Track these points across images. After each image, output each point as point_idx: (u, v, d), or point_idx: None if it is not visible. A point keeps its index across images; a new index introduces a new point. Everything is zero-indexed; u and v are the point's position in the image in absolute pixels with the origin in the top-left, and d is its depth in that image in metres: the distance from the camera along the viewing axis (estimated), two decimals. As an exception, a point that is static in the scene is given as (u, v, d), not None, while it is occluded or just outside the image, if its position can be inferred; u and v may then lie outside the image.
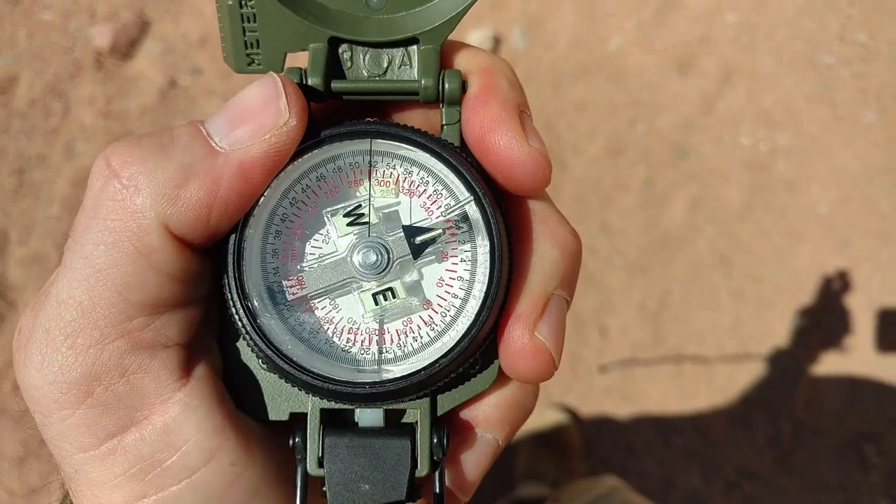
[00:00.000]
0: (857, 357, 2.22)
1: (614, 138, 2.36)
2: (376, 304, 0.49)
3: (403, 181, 0.50)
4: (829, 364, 2.22)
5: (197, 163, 0.44)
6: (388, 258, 0.49)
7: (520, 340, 0.47)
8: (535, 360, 0.47)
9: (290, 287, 0.49)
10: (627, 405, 2.18)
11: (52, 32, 2.41)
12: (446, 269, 0.49)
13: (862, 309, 2.26)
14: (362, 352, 0.49)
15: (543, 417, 2.07)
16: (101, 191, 0.44)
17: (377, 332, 0.49)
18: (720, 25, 2.45)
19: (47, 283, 0.47)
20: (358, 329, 0.49)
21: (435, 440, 0.48)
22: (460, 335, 0.47)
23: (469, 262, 0.49)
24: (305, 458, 0.48)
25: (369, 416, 0.49)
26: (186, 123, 0.47)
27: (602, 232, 2.26)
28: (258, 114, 0.45)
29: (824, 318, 2.25)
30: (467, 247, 0.49)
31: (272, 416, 0.50)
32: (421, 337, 0.49)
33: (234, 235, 0.47)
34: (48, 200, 2.28)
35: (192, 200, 0.44)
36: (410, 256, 0.49)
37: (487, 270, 0.48)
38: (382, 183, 0.50)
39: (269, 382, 0.50)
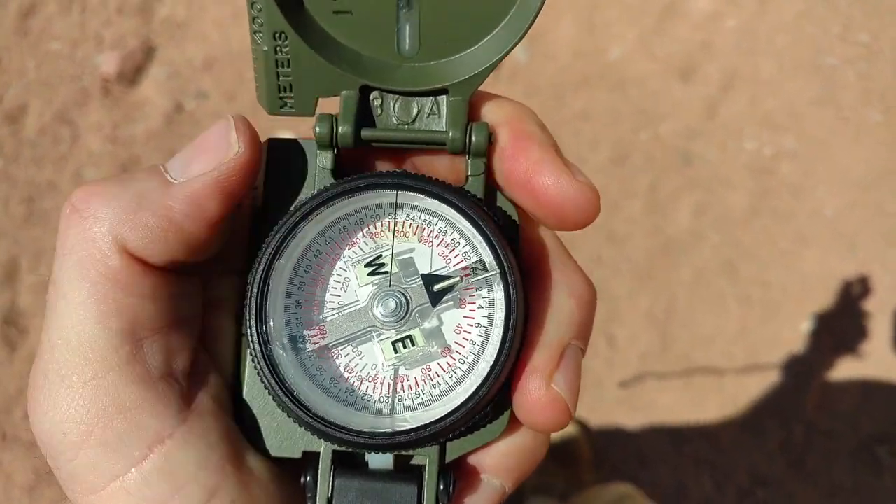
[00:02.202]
0: (868, 359, 2.20)
1: (618, 147, 2.37)
2: (396, 352, 0.50)
3: (423, 231, 0.51)
4: (839, 367, 2.21)
5: (150, 191, 0.47)
6: (408, 306, 0.50)
7: (536, 392, 0.48)
8: (552, 411, 0.48)
9: (312, 337, 0.50)
10: (638, 415, 2.18)
11: (60, 61, 2.45)
12: (464, 316, 0.51)
13: (872, 311, 2.24)
14: (379, 400, 0.50)
15: (552, 429, 2.06)
16: (66, 227, 0.47)
17: (396, 379, 0.50)
18: (721, 31, 2.45)
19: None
20: (377, 377, 0.50)
21: (441, 487, 0.50)
22: (477, 384, 0.48)
23: (486, 308, 0.50)
24: (315, 496, 0.50)
25: (379, 459, 0.51)
26: (148, 166, 0.50)
27: (608, 240, 2.27)
28: (211, 148, 0.48)
29: (833, 322, 2.23)
30: (484, 293, 0.50)
31: (284, 453, 0.51)
32: (440, 384, 0.50)
33: (256, 280, 0.48)
34: (58, 228, 2.31)
35: (148, 224, 0.46)
36: (429, 304, 0.50)
37: (503, 318, 0.49)
38: (401, 233, 0.51)
39: (283, 420, 0.51)
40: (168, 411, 0.46)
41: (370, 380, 0.50)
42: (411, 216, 0.51)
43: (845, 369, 2.20)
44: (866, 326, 2.22)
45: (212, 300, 0.52)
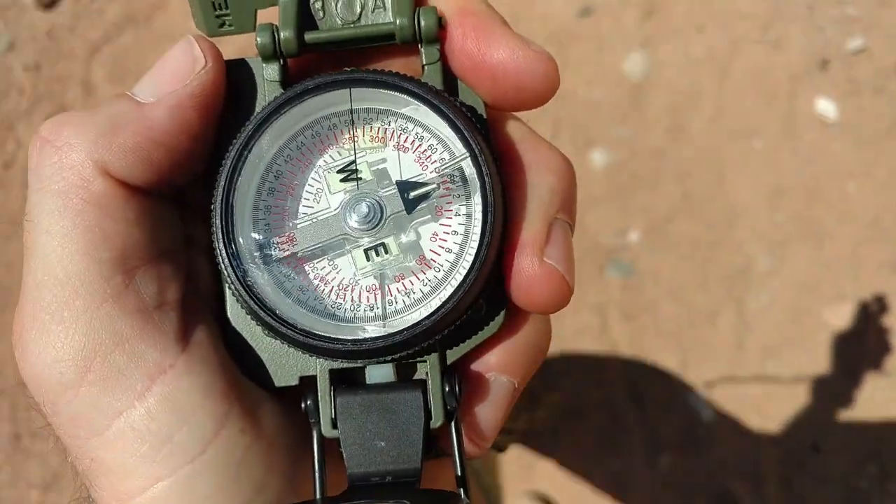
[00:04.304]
0: None
1: None
2: (368, 259, 0.49)
3: (396, 136, 0.50)
4: None
5: (124, 114, 0.46)
6: (382, 213, 0.49)
7: (530, 268, 0.47)
8: (549, 285, 0.47)
9: (281, 244, 0.48)
10: None
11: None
12: (440, 224, 0.49)
13: None
14: (363, 308, 0.48)
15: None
16: (39, 160, 0.46)
17: (376, 287, 0.49)
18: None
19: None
20: (356, 286, 0.49)
21: (447, 388, 0.48)
22: (461, 279, 0.47)
23: (464, 215, 0.49)
24: (319, 420, 0.48)
25: (379, 373, 0.48)
26: (114, 94, 0.49)
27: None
28: (176, 66, 0.47)
29: None
30: (461, 191, 0.49)
31: (281, 383, 0.49)
32: (420, 290, 0.48)
33: (218, 202, 0.47)
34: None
35: (128, 144, 0.45)
36: (404, 212, 0.49)
37: (481, 201, 0.47)
38: (375, 139, 0.50)
39: (275, 348, 0.49)
40: (167, 340, 0.45)
41: (349, 289, 0.49)
42: (384, 121, 0.50)
43: None
44: None
45: (188, 238, 0.50)
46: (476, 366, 0.50)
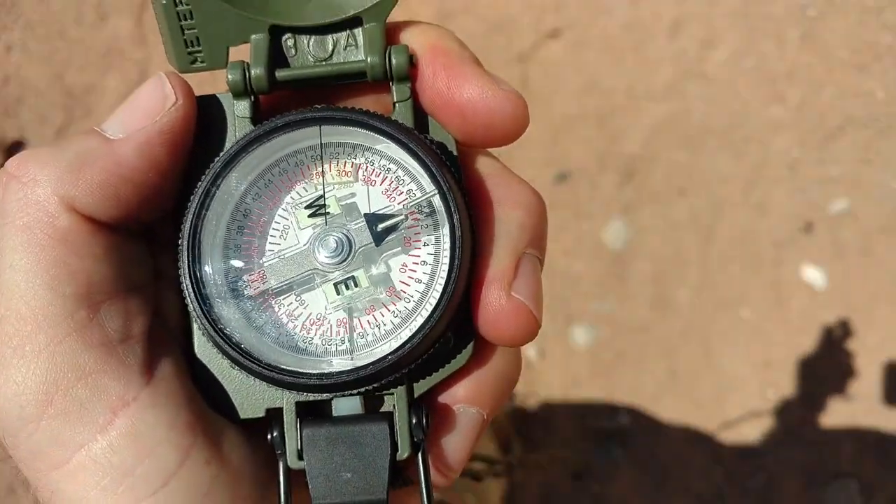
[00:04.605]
0: None
1: None
2: (338, 293, 0.49)
3: (364, 169, 0.50)
4: None
5: (92, 150, 0.46)
6: (350, 246, 0.49)
7: (497, 302, 0.47)
8: (517, 320, 0.47)
9: (252, 281, 0.48)
10: None
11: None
12: (409, 255, 0.49)
13: None
14: (331, 342, 0.48)
15: None
16: (4, 196, 0.45)
17: (344, 321, 0.49)
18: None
19: None
20: (324, 321, 0.49)
21: (414, 421, 0.48)
22: (428, 313, 0.47)
23: (433, 246, 0.49)
24: (285, 452, 0.48)
25: (346, 405, 0.48)
26: (83, 130, 0.50)
27: None
28: (147, 103, 0.47)
29: None
30: (429, 222, 0.49)
31: (247, 414, 0.49)
32: (391, 322, 0.49)
33: (186, 238, 0.47)
34: None
35: (95, 180, 0.45)
36: (373, 244, 0.49)
37: (449, 236, 0.47)
38: (343, 173, 0.50)
39: (242, 380, 0.49)
40: (130, 374, 0.45)
41: (318, 324, 0.49)
42: (351, 154, 0.50)
43: None
44: None
45: (157, 271, 0.50)
46: (444, 397, 0.50)
